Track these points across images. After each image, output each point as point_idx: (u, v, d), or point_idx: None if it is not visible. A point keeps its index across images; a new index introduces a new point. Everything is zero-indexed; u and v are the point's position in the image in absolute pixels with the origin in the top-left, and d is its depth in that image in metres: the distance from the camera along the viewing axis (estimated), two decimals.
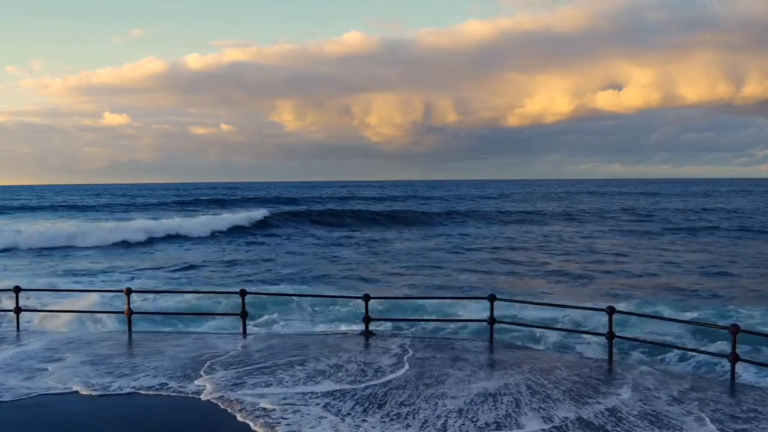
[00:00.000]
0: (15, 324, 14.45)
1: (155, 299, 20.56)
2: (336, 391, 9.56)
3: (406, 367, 10.79)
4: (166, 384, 9.99)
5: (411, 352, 11.79)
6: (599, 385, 9.92)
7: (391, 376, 10.30)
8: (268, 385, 9.88)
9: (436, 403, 8.94)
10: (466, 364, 10.95)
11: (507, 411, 8.61)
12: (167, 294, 21.21)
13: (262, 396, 9.33)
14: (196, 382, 10.04)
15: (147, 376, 10.45)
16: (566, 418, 8.37)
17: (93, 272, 30.13)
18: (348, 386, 9.79)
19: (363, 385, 9.86)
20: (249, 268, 31.74)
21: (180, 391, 9.65)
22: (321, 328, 16.66)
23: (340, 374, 10.41)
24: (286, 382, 10.04)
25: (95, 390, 9.75)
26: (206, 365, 11.04)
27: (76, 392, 9.67)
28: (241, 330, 13.79)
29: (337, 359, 11.31)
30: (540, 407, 8.79)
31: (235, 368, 10.84)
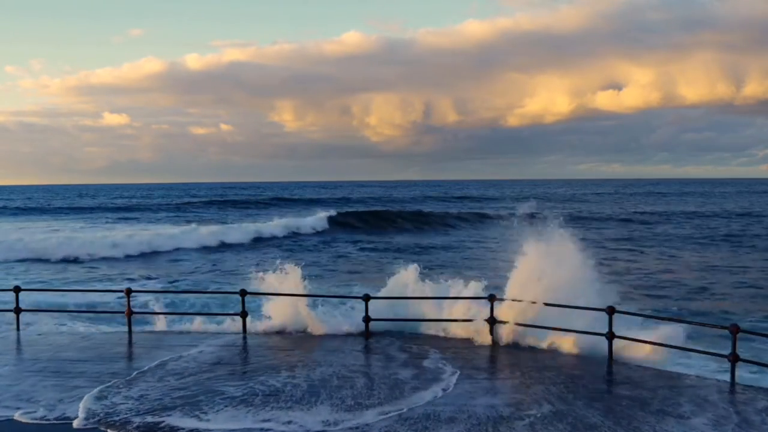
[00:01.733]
0: (15, 324, 14.45)
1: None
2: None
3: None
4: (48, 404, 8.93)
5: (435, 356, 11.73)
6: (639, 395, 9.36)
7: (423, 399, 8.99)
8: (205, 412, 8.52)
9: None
10: (477, 372, 10.66)
11: None
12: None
13: None
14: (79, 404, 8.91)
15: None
16: None
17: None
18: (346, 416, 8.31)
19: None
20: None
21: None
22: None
23: (342, 392, 9.32)
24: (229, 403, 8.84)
25: None
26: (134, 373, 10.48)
27: None
28: (241, 329, 13.80)
29: (331, 367, 10.90)
30: None
31: (179, 379, 10.08)
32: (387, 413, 8.45)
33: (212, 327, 14.36)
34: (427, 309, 13.94)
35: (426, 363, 11.05)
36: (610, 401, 9.08)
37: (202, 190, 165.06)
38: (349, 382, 9.91)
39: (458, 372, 10.43)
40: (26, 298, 15.87)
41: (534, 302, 12.33)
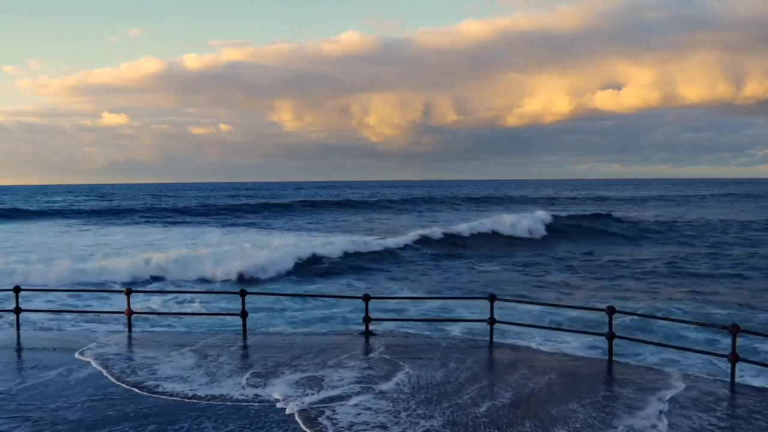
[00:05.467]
0: (15, 324, 14.46)
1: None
2: None
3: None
4: None
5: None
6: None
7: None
8: None
9: None
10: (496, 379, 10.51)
11: None
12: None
13: None
14: None
15: None
16: None
17: None
18: None
19: None
20: None
21: None
22: (323, 328, 16.68)
23: None
24: None
25: None
26: None
27: None
28: (241, 330, 13.80)
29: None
30: None
31: None
32: None
33: (219, 326, 14.22)
34: None
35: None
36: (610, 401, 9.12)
37: (288, 190, 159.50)
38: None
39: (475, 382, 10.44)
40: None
41: (534, 303, 12.35)
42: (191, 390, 9.53)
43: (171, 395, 9.33)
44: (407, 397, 9.08)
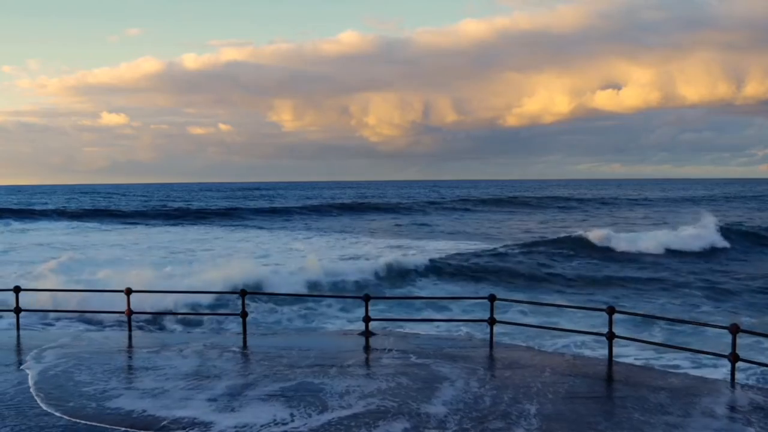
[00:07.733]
0: (15, 324, 14.46)
1: None
2: None
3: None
4: None
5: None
6: None
7: None
8: None
9: None
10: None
11: None
12: None
13: None
14: None
15: None
16: None
17: None
18: None
19: None
20: None
21: None
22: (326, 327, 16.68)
23: None
24: None
25: None
26: None
27: None
28: (242, 330, 13.81)
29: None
30: None
31: None
32: None
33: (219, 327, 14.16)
34: None
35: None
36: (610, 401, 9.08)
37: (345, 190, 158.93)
38: None
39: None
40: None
41: (531, 302, 12.36)
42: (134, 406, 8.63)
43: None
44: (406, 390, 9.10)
